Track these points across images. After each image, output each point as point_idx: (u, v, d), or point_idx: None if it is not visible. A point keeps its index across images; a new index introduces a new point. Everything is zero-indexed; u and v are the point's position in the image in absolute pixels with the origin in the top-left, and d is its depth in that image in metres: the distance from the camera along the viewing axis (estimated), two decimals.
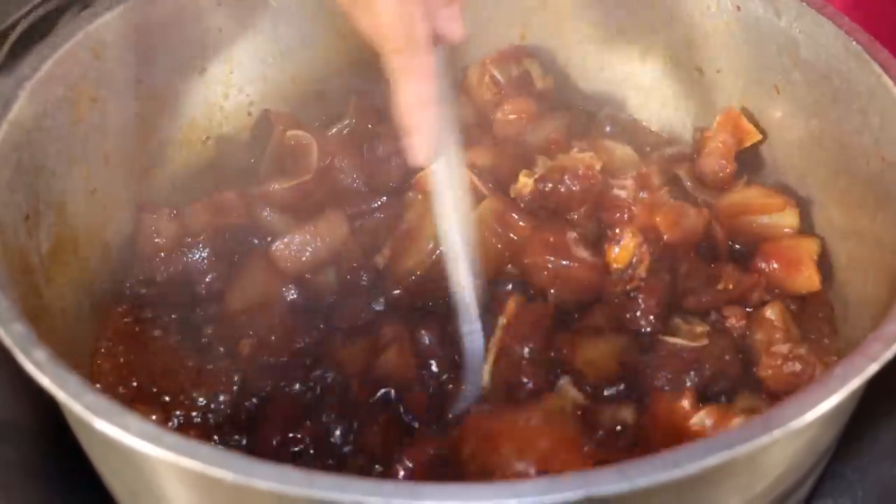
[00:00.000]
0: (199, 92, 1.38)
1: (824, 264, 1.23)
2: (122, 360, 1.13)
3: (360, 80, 1.46)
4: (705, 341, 1.12)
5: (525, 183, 1.24)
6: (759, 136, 1.33)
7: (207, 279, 1.23)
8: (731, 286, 1.17)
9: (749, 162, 1.37)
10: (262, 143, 1.40)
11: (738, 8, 1.30)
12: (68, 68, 1.18)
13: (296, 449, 1.03)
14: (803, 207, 1.28)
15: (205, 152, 1.41)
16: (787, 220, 1.27)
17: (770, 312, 1.14)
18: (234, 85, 1.41)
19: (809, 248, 1.23)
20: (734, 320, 1.14)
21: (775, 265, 1.21)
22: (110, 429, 0.77)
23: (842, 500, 1.07)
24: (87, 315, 1.19)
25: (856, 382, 0.80)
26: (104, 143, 1.24)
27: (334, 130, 1.41)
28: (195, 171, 1.41)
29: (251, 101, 1.44)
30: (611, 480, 0.73)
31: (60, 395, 0.80)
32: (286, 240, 1.23)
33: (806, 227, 1.27)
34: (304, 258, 1.22)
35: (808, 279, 1.20)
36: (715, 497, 0.83)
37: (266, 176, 1.34)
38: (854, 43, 1.15)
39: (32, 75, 1.13)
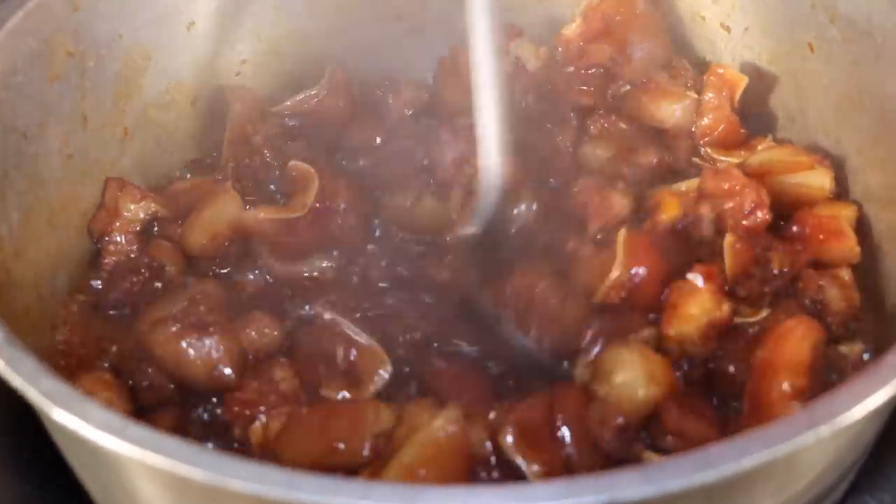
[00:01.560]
0: (186, 48, 1.28)
1: (862, 234, 1.13)
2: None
3: (358, 39, 1.37)
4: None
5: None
6: (744, 79, 1.23)
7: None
8: (785, 268, 1.05)
9: (781, 126, 1.28)
10: (217, 122, 1.30)
11: None
12: (42, 20, 1.08)
13: None
14: (839, 173, 1.17)
15: (193, 114, 1.32)
16: (819, 179, 1.14)
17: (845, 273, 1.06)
18: (224, 41, 1.31)
19: (847, 214, 1.12)
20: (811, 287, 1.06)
21: (811, 233, 1.10)
22: (69, 419, 0.69)
23: (881, 496, 0.98)
24: (63, 289, 1.11)
25: None
26: (82, 103, 1.15)
27: (301, 97, 1.31)
28: (183, 134, 1.31)
29: (243, 60, 1.34)
30: (635, 483, 0.64)
31: (15, 381, 0.72)
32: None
33: (842, 195, 1.17)
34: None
35: (849, 249, 1.10)
36: (748, 500, 0.74)
37: (227, 159, 1.24)
38: None
39: (2, 28, 1.04)
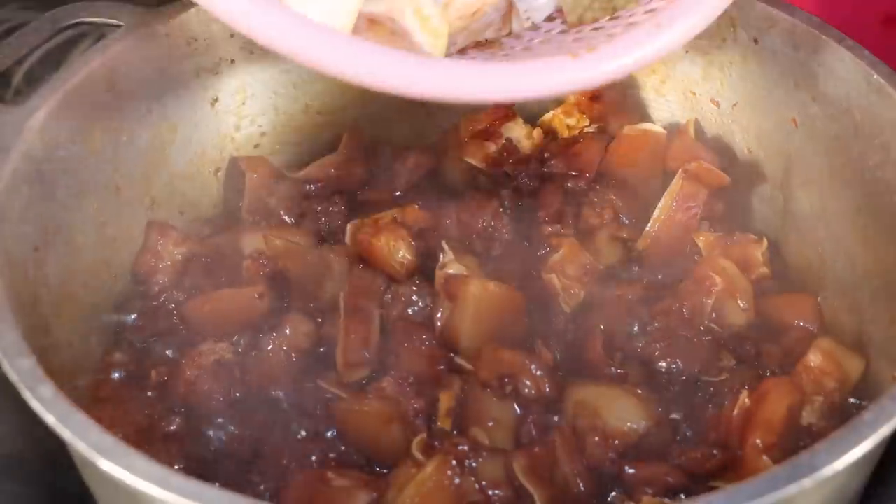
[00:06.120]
0: (210, 123, 1.37)
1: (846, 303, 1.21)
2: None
3: (370, 111, 1.46)
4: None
5: None
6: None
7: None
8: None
9: (763, 198, 1.36)
10: (235, 189, 1.38)
11: (756, 41, 1.28)
12: (82, 99, 1.17)
13: None
14: (823, 244, 1.26)
15: (215, 183, 1.40)
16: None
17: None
18: (245, 115, 1.40)
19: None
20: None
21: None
22: (116, 469, 0.75)
23: None
24: (93, 349, 1.18)
25: (889, 427, 0.77)
26: (115, 175, 1.23)
27: (322, 161, 1.40)
28: (206, 203, 1.40)
29: (263, 132, 1.43)
30: None
31: (66, 434, 0.78)
32: None
33: (828, 270, 1.26)
34: None
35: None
36: None
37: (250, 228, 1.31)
38: (875, 76, 1.13)
39: (45, 106, 1.12)
